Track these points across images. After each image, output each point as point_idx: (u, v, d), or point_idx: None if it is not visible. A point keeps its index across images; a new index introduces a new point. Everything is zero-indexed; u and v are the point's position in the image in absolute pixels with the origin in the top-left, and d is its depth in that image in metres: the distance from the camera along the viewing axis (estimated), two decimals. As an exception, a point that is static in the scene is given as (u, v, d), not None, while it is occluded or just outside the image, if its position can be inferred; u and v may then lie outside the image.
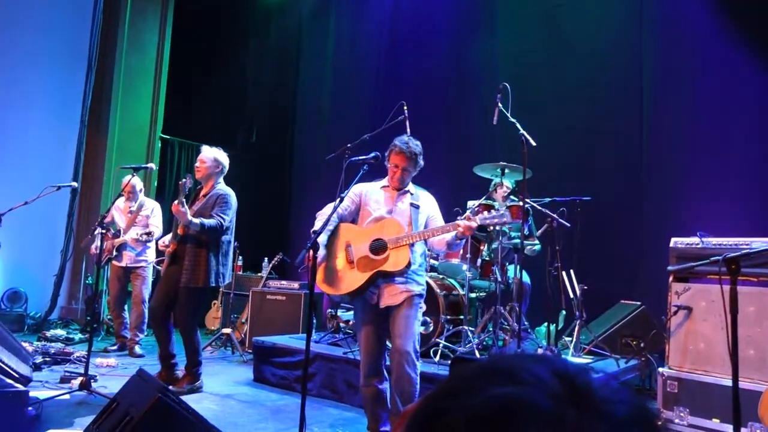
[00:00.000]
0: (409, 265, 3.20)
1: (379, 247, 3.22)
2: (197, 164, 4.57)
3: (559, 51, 6.37)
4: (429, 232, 3.22)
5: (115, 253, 5.97)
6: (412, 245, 3.24)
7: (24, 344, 4.62)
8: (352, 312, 5.56)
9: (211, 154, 4.56)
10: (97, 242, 5.60)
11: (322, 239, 3.27)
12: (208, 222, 4.28)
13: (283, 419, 4.00)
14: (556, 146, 5.84)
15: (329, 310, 5.93)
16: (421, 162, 3.42)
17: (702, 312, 3.68)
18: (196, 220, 4.24)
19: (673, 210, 5.41)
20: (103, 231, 4.51)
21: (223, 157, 4.60)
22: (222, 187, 4.56)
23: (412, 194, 3.43)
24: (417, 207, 3.36)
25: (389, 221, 3.30)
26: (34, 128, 7.54)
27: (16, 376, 3.54)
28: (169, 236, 4.56)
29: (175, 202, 4.21)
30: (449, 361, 4.30)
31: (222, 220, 4.36)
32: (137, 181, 5.86)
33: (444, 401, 0.48)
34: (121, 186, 5.91)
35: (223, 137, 9.10)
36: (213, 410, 4.04)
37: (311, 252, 2.93)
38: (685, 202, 5.38)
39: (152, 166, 5.65)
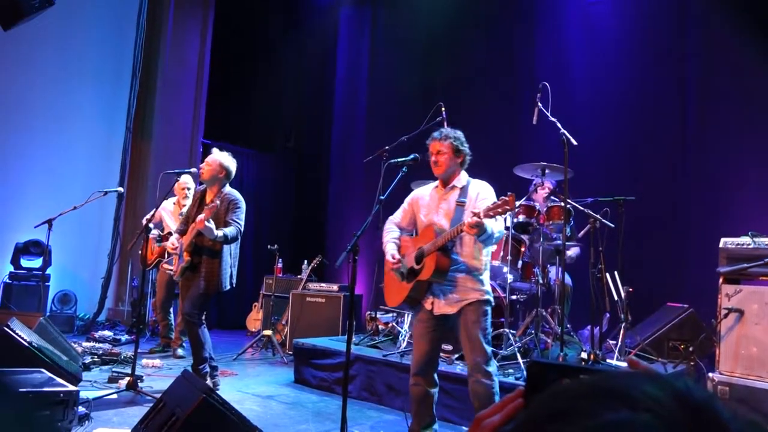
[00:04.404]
0: (446, 272, 3.11)
1: (419, 256, 3.20)
2: (202, 165, 4.52)
3: (598, 48, 6.24)
4: (442, 238, 3.09)
5: (166, 256, 6.03)
6: (451, 250, 3.15)
7: (74, 345, 4.78)
8: (391, 314, 5.56)
9: (218, 158, 4.47)
10: (142, 244, 5.72)
11: (391, 250, 3.30)
12: (231, 232, 4.26)
13: (323, 421, 4.02)
14: (597, 145, 5.72)
15: (368, 312, 5.94)
16: (462, 147, 3.27)
17: (754, 315, 3.55)
18: (220, 233, 4.20)
19: (721, 209, 5.23)
20: (147, 234, 4.56)
21: (230, 163, 4.51)
22: (229, 190, 4.48)
23: (461, 189, 3.27)
24: (463, 204, 3.20)
25: (426, 227, 3.27)
26: (82, 136, 7.81)
27: (67, 375, 3.66)
28: (174, 237, 4.49)
29: (200, 217, 4.09)
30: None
31: (240, 226, 4.36)
32: (189, 179, 5.91)
33: (550, 424, 0.43)
34: (165, 190, 6.00)
35: (262, 141, 9.29)
36: (255, 411, 4.09)
37: (352, 254, 2.94)
38: (734, 201, 5.19)
39: (194, 170, 5.74)
